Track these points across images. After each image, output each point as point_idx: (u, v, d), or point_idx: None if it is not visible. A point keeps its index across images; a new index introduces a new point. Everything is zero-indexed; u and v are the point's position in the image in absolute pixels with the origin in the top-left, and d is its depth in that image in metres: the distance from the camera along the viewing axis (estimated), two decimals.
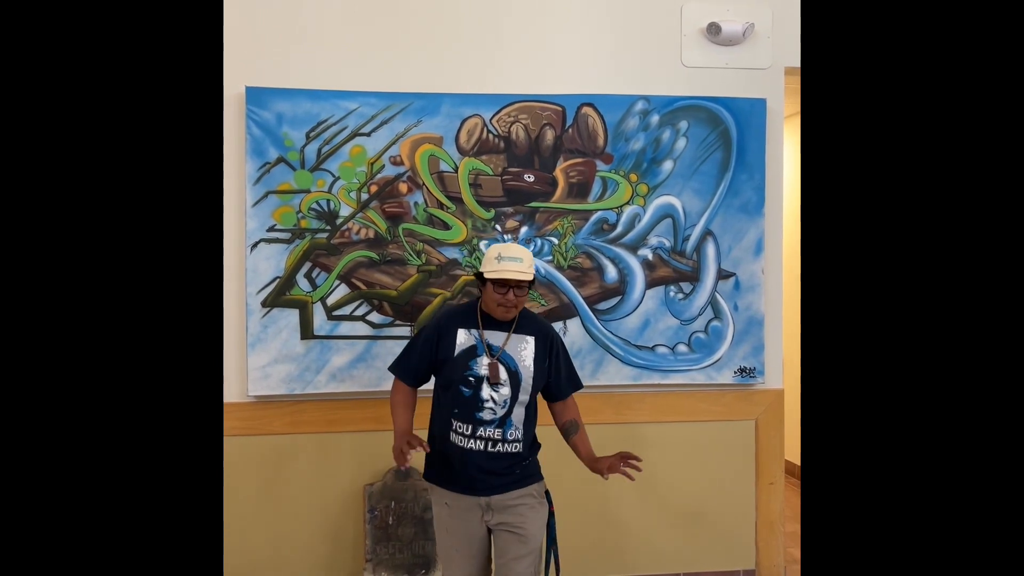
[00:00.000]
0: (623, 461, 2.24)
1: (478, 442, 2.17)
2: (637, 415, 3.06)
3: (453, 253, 2.92)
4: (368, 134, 2.87)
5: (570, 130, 2.98)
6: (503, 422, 2.18)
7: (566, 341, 2.98)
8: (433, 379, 2.28)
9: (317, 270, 2.86)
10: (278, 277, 2.84)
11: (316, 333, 2.85)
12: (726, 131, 3.04)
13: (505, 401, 2.18)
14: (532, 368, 2.21)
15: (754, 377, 3.09)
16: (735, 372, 3.08)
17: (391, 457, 2.25)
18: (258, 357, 2.82)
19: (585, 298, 3.00)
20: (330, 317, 2.86)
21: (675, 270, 3.05)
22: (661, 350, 3.04)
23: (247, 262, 2.82)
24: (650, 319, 3.03)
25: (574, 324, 2.99)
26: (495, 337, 2.20)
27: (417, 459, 2.24)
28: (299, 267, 2.85)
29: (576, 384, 2.38)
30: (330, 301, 2.86)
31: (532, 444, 2.29)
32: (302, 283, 2.85)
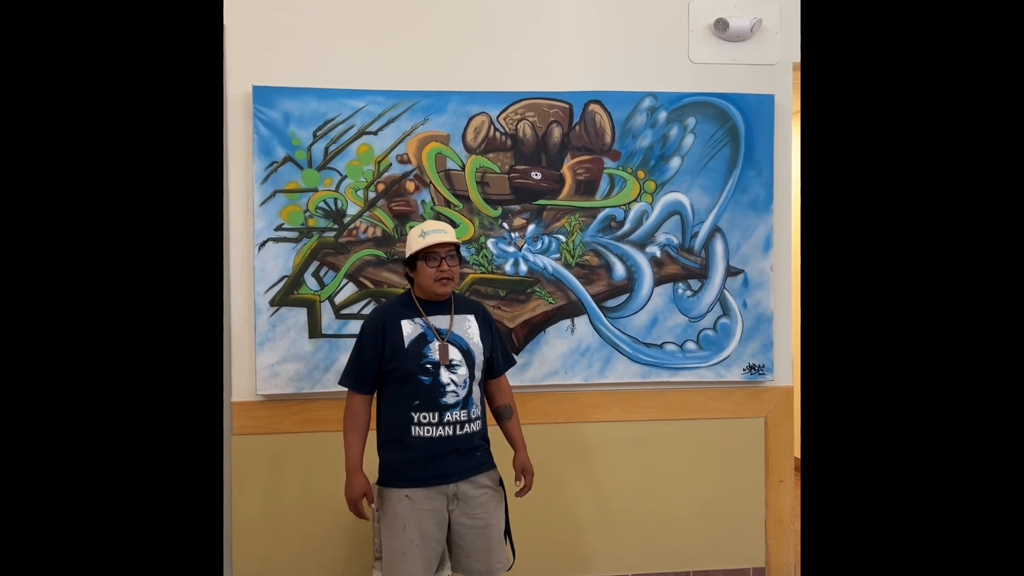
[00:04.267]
0: (524, 486, 2.40)
1: (446, 428, 2.22)
2: (645, 413, 3.06)
3: (460, 251, 2.91)
4: (375, 133, 2.87)
5: (577, 127, 2.97)
6: (466, 402, 2.25)
7: (574, 339, 2.98)
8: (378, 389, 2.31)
9: (325, 269, 2.86)
10: (286, 276, 2.84)
11: (324, 332, 2.86)
12: (734, 127, 3.03)
13: (465, 381, 2.25)
14: (480, 344, 2.30)
15: (763, 374, 3.07)
16: (744, 369, 3.06)
17: None
18: (266, 356, 2.82)
19: (593, 296, 2.99)
20: (338, 316, 2.87)
21: (683, 267, 3.04)
22: (669, 347, 3.03)
23: (255, 261, 2.82)
24: (658, 316, 3.02)
25: (582, 322, 2.98)
26: (439, 321, 2.28)
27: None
28: (307, 266, 2.85)
29: (510, 360, 2.51)
30: (338, 300, 2.87)
31: (485, 424, 2.36)
32: (310, 282, 2.85)
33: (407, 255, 2.28)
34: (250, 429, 2.85)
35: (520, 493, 2.41)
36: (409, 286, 2.36)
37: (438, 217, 2.90)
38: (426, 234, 2.24)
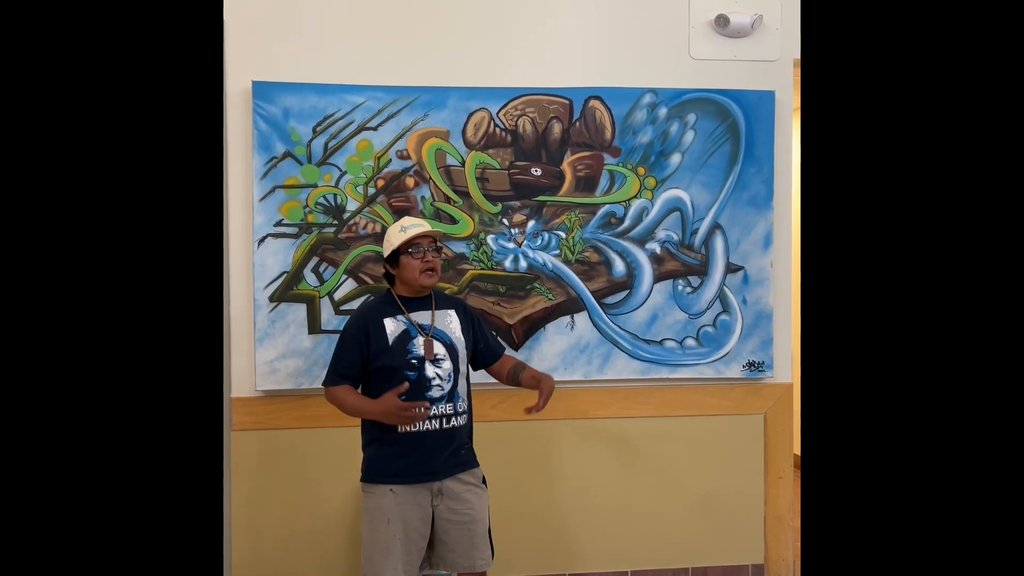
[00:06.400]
0: (537, 406, 2.32)
1: (433, 422, 2.25)
2: (645, 409, 3.06)
3: (460, 247, 2.92)
4: (375, 128, 2.87)
5: (577, 123, 2.97)
6: (452, 395, 2.29)
7: (573, 336, 2.98)
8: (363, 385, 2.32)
9: (324, 265, 2.86)
10: (285, 272, 2.84)
11: (324, 328, 2.85)
12: (734, 124, 3.02)
13: (449, 375, 2.29)
14: (463, 338, 2.36)
15: (763, 371, 3.07)
16: (744, 366, 3.06)
17: None
18: (266, 352, 2.82)
19: (593, 292, 2.99)
20: (338, 312, 2.86)
21: (683, 264, 3.03)
22: (669, 344, 3.03)
23: (254, 257, 2.82)
24: (658, 313, 3.02)
25: (582, 318, 2.98)
26: (421, 318, 2.31)
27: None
28: (306, 262, 2.85)
29: (501, 345, 2.58)
30: (337, 296, 2.86)
31: (471, 420, 2.39)
32: (309, 278, 2.85)
33: (387, 253, 2.31)
34: (249, 425, 2.85)
35: (535, 408, 2.30)
36: (388, 286, 2.40)
37: (438, 213, 2.90)
38: (406, 228, 2.29)
